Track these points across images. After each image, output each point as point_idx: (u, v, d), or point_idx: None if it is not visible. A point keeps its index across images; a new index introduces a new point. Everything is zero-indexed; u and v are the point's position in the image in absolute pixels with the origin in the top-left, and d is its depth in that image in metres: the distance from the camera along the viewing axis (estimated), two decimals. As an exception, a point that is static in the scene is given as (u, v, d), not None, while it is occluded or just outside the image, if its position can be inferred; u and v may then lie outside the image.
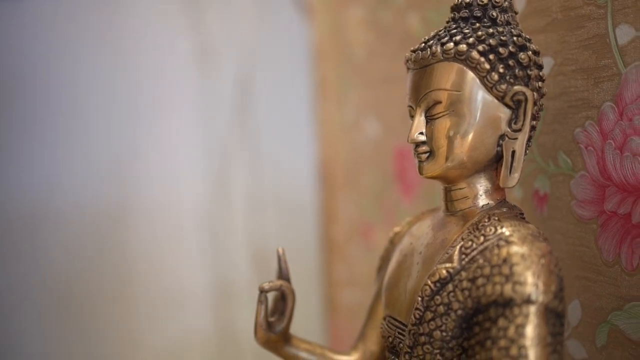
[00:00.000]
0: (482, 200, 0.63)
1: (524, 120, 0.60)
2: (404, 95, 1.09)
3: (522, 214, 0.62)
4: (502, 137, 0.61)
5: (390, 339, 0.65)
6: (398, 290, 0.66)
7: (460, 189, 0.63)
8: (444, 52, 0.61)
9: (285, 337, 0.71)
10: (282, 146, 1.59)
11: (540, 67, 0.62)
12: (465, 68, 0.60)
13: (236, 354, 1.55)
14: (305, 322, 1.60)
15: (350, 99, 1.38)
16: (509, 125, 0.61)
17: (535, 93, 0.60)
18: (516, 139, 0.61)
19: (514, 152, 0.61)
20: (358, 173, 1.37)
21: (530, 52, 0.61)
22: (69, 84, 1.30)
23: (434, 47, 0.61)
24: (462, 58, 0.60)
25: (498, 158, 0.62)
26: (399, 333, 0.64)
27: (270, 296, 0.82)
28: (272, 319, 0.71)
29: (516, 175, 0.61)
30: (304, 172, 1.60)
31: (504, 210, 0.61)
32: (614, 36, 0.64)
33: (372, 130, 1.27)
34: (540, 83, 0.61)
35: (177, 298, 1.48)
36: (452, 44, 0.60)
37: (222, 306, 1.53)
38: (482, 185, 0.63)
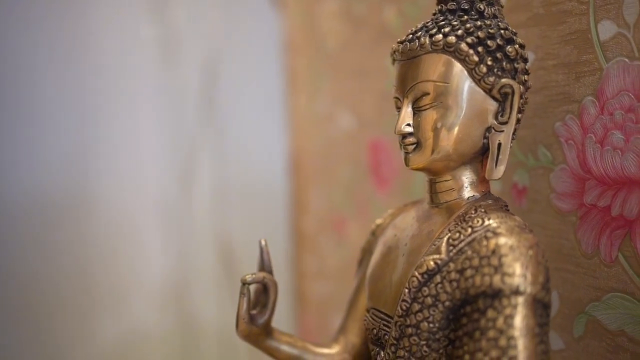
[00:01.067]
0: (468, 192, 0.63)
1: (510, 112, 0.61)
2: (379, 87, 1.10)
3: (507, 206, 0.63)
4: (488, 129, 0.61)
5: (375, 331, 0.65)
6: (383, 282, 0.66)
7: (445, 180, 0.63)
8: (432, 43, 0.61)
9: (267, 330, 0.70)
10: (251, 138, 1.57)
11: (525, 60, 0.62)
12: (453, 60, 0.60)
13: (197, 348, 1.54)
14: (275, 315, 1.59)
15: (323, 91, 1.37)
16: (496, 118, 0.61)
17: (521, 86, 0.61)
18: (502, 131, 0.61)
19: (500, 144, 0.61)
20: (331, 165, 1.36)
21: (517, 46, 0.61)
22: (26, 73, 1.26)
23: (422, 39, 0.61)
24: (450, 50, 0.60)
25: (484, 150, 0.62)
26: (384, 325, 0.64)
27: (252, 288, 0.81)
28: (253, 312, 0.70)
29: (502, 168, 0.61)
30: (274, 164, 1.59)
31: (490, 202, 0.62)
32: (596, 32, 0.65)
33: (346, 122, 1.27)
34: (526, 76, 0.62)
35: (136, 291, 1.45)
36: (440, 35, 0.60)
37: (184, 299, 1.51)
38: (467, 177, 0.63)
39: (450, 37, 0.60)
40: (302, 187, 1.53)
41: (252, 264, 1.55)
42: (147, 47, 1.44)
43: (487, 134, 0.61)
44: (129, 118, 1.43)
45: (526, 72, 0.62)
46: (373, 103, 1.15)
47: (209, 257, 1.55)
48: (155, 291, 1.47)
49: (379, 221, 0.75)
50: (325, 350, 0.73)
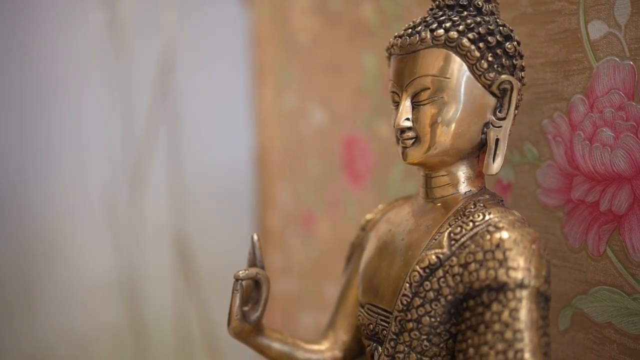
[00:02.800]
0: (464, 187, 0.63)
1: (508, 108, 0.61)
2: (354, 83, 1.09)
3: (502, 200, 0.64)
4: (486, 124, 0.62)
5: (372, 326, 0.65)
6: (379, 277, 0.65)
7: (442, 175, 0.64)
8: (433, 38, 0.61)
9: (258, 328, 0.69)
10: (214, 132, 1.55)
11: (522, 57, 0.63)
12: (454, 55, 0.60)
13: (147, 347, 1.50)
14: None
15: (292, 86, 1.36)
16: (494, 114, 0.62)
17: (519, 82, 0.62)
18: (500, 127, 0.62)
19: (497, 140, 0.62)
20: (299, 161, 1.35)
21: (515, 42, 0.62)
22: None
23: (423, 33, 0.61)
24: (452, 45, 0.60)
25: (481, 146, 0.63)
26: (381, 320, 0.64)
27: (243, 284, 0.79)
28: (245, 308, 0.68)
29: (499, 163, 0.62)
30: (239, 159, 1.57)
31: (487, 197, 0.63)
32: (586, 31, 0.67)
33: (318, 118, 1.26)
34: (522, 73, 0.63)
35: (86, 290, 1.41)
36: (442, 30, 0.60)
37: (135, 299, 1.48)
38: (464, 172, 0.64)
39: (452, 32, 0.60)
40: (268, 182, 1.52)
41: (210, 261, 1.53)
42: (95, 35, 1.38)
43: (485, 129, 0.62)
44: (73, 111, 1.37)
45: (522, 69, 0.63)
46: (348, 99, 1.15)
47: (164, 255, 1.51)
48: (101, 290, 1.43)
49: (369, 216, 0.75)
50: (315, 347, 0.73)
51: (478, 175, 0.64)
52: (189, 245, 1.51)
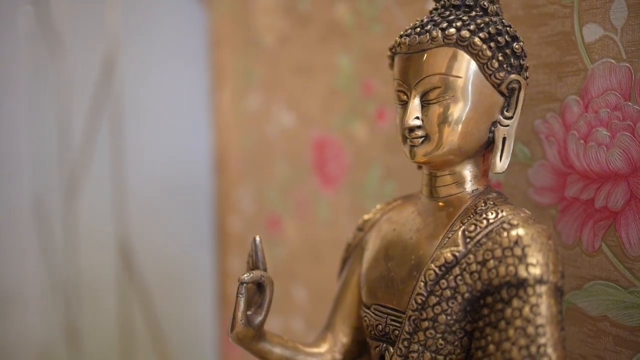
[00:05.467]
0: (471, 186, 0.64)
1: (516, 107, 0.62)
2: (327, 84, 1.08)
3: (508, 198, 0.65)
4: (493, 123, 0.63)
5: (380, 327, 0.64)
6: (388, 277, 0.65)
7: (449, 174, 0.64)
8: (445, 37, 0.61)
9: (260, 332, 0.67)
10: (166, 135, 1.50)
11: (526, 57, 0.64)
12: (464, 54, 0.61)
13: (83, 355, 1.45)
14: (195, 316, 1.53)
15: (256, 88, 1.34)
16: (501, 113, 0.63)
17: (525, 82, 0.63)
18: (508, 125, 0.63)
19: (504, 138, 0.63)
20: (264, 163, 1.33)
21: (522, 43, 0.63)
22: None
23: (434, 32, 0.61)
24: (464, 44, 0.61)
25: (487, 144, 0.64)
26: (391, 320, 0.63)
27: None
28: (249, 313, 0.66)
29: (506, 162, 0.63)
30: (197, 162, 1.53)
31: (495, 195, 0.63)
32: (581, 34, 0.69)
33: (285, 120, 1.25)
34: (527, 73, 0.64)
35: (13, 297, 1.33)
36: (453, 29, 0.61)
37: (66, 305, 1.42)
38: (470, 171, 0.64)
39: (463, 31, 0.60)
40: (228, 186, 1.49)
41: (159, 265, 1.48)
42: (26, 32, 1.32)
43: (493, 128, 0.63)
44: (4, 110, 1.30)
45: (527, 69, 0.64)
46: (319, 100, 1.14)
47: (105, 259, 1.46)
48: (31, 296, 1.36)
49: (366, 217, 0.74)
50: (315, 350, 0.71)
51: (483, 173, 0.65)
52: (133, 249, 1.45)
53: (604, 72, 0.67)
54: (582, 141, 0.69)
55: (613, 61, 0.66)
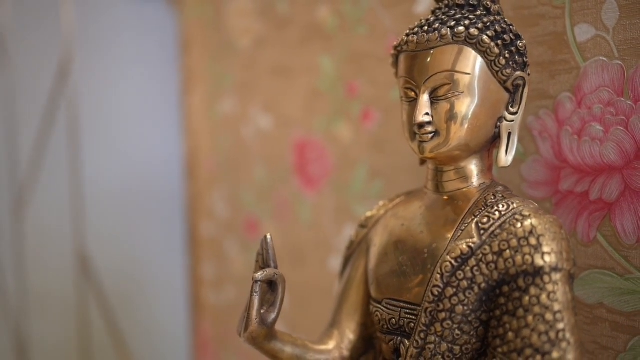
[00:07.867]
0: (478, 180, 0.66)
1: (520, 103, 0.65)
2: (308, 86, 1.09)
3: (513, 191, 0.67)
4: (499, 119, 0.65)
5: (394, 320, 0.65)
6: (399, 271, 0.66)
7: (456, 169, 0.66)
8: (454, 35, 0.62)
9: (272, 331, 0.67)
10: (131, 140, 1.47)
11: (527, 55, 0.67)
12: (473, 51, 0.63)
13: None
14: (167, 324, 1.50)
15: (230, 91, 1.33)
16: (507, 109, 0.65)
17: (529, 78, 0.65)
18: (513, 121, 0.65)
19: (509, 133, 0.65)
20: (239, 166, 1.32)
21: (525, 41, 0.65)
22: None
23: (443, 30, 0.63)
24: (472, 42, 0.62)
25: (492, 140, 0.66)
26: (406, 313, 0.64)
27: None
28: (262, 311, 0.65)
29: (512, 156, 0.65)
30: (166, 167, 1.50)
31: (501, 188, 0.65)
32: (573, 34, 0.72)
33: (263, 122, 1.24)
34: (529, 70, 0.67)
35: None
36: (462, 27, 0.62)
37: (16, 321, 1.37)
38: (477, 165, 0.66)
39: (472, 29, 0.62)
40: (201, 190, 1.47)
41: (120, 273, 1.45)
42: None
43: (498, 123, 0.65)
44: None
45: (529, 66, 0.67)
46: (300, 102, 1.14)
47: (63, 269, 1.42)
48: None
49: (369, 213, 0.75)
50: (323, 347, 0.71)
51: (488, 168, 0.67)
52: (92, 259, 1.42)
53: (596, 70, 0.70)
54: (575, 136, 0.72)
55: (605, 59, 0.69)
